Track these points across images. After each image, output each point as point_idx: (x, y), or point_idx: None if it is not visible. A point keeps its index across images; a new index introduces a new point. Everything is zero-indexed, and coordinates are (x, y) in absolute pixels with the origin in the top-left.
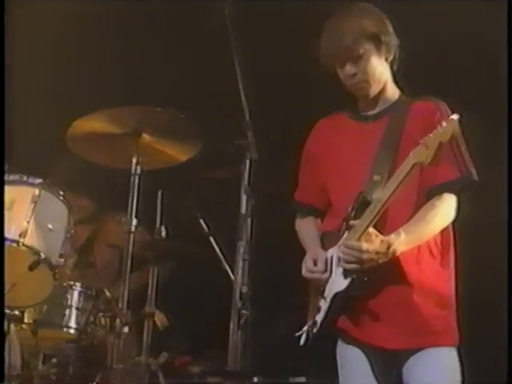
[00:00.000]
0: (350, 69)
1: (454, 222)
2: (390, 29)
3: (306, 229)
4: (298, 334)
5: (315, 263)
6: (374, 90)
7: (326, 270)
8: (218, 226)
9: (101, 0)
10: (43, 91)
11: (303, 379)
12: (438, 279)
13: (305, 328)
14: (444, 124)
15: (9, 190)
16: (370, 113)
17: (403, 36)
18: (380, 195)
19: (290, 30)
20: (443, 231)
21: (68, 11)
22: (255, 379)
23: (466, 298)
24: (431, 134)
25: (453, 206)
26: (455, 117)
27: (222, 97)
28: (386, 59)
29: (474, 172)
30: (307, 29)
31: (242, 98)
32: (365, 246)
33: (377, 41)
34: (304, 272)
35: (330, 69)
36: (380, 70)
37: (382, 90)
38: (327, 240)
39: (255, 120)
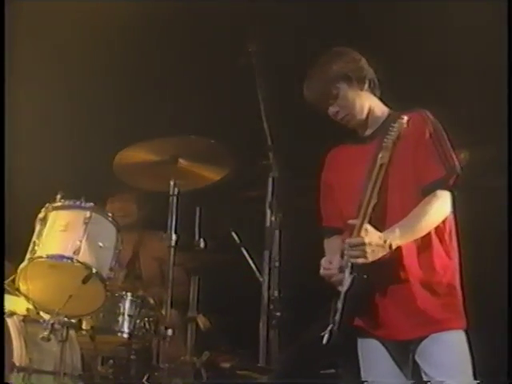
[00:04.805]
0: (332, 109)
1: (455, 215)
2: (359, 63)
3: (329, 245)
4: (322, 333)
5: (330, 264)
6: (360, 118)
7: (340, 271)
8: (249, 238)
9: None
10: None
11: (332, 371)
12: (446, 271)
13: (328, 328)
14: (393, 125)
15: (64, 214)
16: (366, 133)
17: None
18: (365, 195)
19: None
20: (448, 225)
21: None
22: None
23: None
24: (387, 137)
25: (446, 202)
26: (404, 119)
27: (249, 125)
28: (362, 89)
29: (458, 165)
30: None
31: (265, 125)
32: (366, 239)
33: (346, 78)
34: (321, 271)
35: (321, 110)
36: (359, 100)
37: (370, 113)
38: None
39: (278, 144)
